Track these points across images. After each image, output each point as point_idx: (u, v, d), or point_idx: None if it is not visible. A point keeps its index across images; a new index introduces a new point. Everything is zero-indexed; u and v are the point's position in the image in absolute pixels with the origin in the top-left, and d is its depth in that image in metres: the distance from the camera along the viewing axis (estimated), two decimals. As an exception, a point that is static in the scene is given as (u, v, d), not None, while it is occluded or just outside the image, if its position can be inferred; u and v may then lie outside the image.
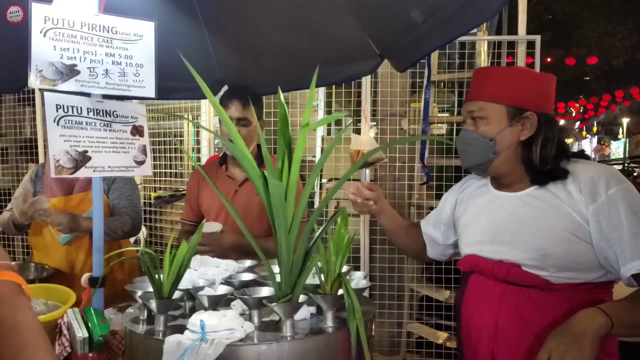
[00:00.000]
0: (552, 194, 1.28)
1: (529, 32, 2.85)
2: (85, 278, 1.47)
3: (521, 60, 2.79)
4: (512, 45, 2.87)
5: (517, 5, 2.75)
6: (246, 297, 1.11)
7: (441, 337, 3.00)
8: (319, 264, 1.12)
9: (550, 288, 1.25)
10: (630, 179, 1.52)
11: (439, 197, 3.36)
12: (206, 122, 3.40)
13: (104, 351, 1.34)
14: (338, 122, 4.36)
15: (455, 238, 1.54)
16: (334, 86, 4.06)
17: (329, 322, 1.12)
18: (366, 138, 2.65)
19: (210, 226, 1.79)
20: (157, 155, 3.73)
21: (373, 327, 1.24)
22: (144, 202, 3.68)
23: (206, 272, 1.38)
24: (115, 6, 1.66)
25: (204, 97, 2.53)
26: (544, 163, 1.30)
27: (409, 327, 3.10)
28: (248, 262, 1.53)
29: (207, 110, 3.44)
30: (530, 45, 2.72)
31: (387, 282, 3.02)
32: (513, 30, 2.96)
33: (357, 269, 3.03)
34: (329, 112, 4.24)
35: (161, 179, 3.74)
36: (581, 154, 1.36)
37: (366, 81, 2.80)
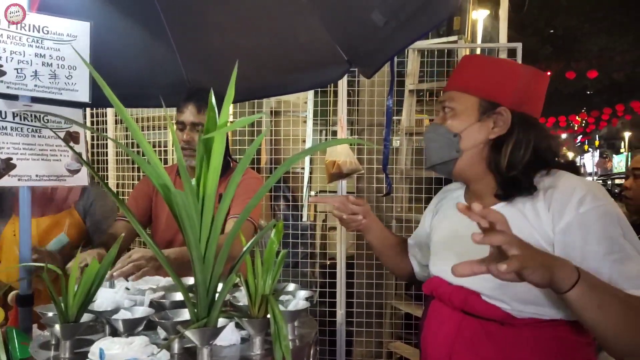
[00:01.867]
0: (520, 212, 1.08)
1: (529, 45, 2.75)
2: (12, 296, 1.36)
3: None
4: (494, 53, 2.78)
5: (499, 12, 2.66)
6: (162, 321, 0.99)
7: (423, 357, 2.85)
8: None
9: (511, 323, 1.06)
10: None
11: (419, 210, 3.27)
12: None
13: (25, 377, 1.22)
14: (333, 133, 4.24)
15: None
16: (319, 96, 3.99)
17: (256, 349, 1.00)
18: (341, 148, 2.55)
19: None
20: (137, 165, 3.64)
21: (313, 351, 1.12)
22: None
23: (138, 291, 1.27)
24: (68, 8, 1.58)
25: (174, 105, 2.43)
26: (511, 168, 1.11)
27: (390, 347, 2.96)
28: (192, 280, 1.42)
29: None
30: (512, 52, 2.63)
31: (367, 299, 2.88)
32: (496, 39, 2.86)
33: (333, 285, 2.92)
34: (315, 122, 4.15)
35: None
36: (569, 166, 1.15)
37: (342, 89, 2.71)
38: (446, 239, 1.25)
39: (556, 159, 1.15)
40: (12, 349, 1.23)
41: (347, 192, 2.80)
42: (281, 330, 0.94)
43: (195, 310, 0.94)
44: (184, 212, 0.85)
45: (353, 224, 1.38)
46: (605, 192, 1.06)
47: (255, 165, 3.38)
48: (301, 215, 3.91)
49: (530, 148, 1.12)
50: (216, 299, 0.93)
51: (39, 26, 1.33)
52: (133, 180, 3.48)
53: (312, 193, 4.05)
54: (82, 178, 1.44)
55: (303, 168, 3.97)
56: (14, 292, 1.36)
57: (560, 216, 1.03)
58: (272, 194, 3.59)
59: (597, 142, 22.83)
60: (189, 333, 0.91)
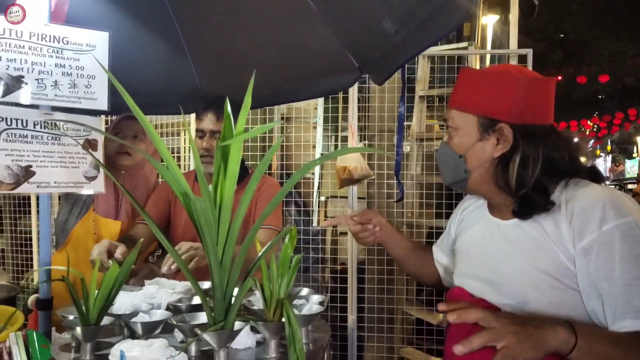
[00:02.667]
0: (541, 227, 1.03)
1: (539, 51, 2.76)
2: (32, 299, 1.39)
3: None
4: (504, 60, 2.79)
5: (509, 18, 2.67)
6: (181, 324, 1.01)
7: (434, 362, 2.85)
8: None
9: None
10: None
11: (439, 216, 3.27)
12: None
13: (45, 379, 1.25)
14: (342, 139, 4.25)
15: None
16: (330, 102, 4.02)
17: (271, 353, 1.02)
18: (352, 154, 2.57)
19: None
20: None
21: (327, 355, 1.13)
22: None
23: (154, 295, 1.30)
24: (86, 18, 1.62)
25: (188, 112, 2.46)
26: (521, 186, 1.05)
27: (401, 352, 2.96)
28: (207, 284, 1.44)
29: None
30: (522, 59, 2.63)
31: (378, 304, 2.89)
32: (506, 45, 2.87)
33: (344, 290, 2.93)
34: (325, 128, 4.18)
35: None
36: (590, 173, 1.08)
37: (353, 96, 2.73)
38: (470, 250, 1.22)
39: (575, 165, 1.08)
40: (33, 352, 1.26)
41: (358, 198, 2.81)
42: (296, 333, 0.96)
43: (213, 313, 0.96)
44: (202, 218, 0.88)
45: (371, 237, 1.36)
46: (630, 204, 0.98)
47: (266, 172, 3.41)
48: (312, 220, 3.93)
49: (540, 162, 1.05)
50: (233, 302, 0.95)
51: (59, 37, 1.37)
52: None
53: (323, 198, 4.07)
54: (99, 185, 1.47)
55: (313, 174, 4.00)
56: (34, 295, 1.40)
57: (581, 234, 0.97)
58: (284, 199, 3.62)
59: (609, 147, 22.61)
60: (206, 336, 0.93)
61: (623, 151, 23.14)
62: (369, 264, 2.92)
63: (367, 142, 2.81)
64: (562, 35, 13.64)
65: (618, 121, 15.57)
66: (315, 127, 3.97)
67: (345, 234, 2.83)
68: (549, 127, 1.10)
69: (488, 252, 1.13)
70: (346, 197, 2.88)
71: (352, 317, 2.80)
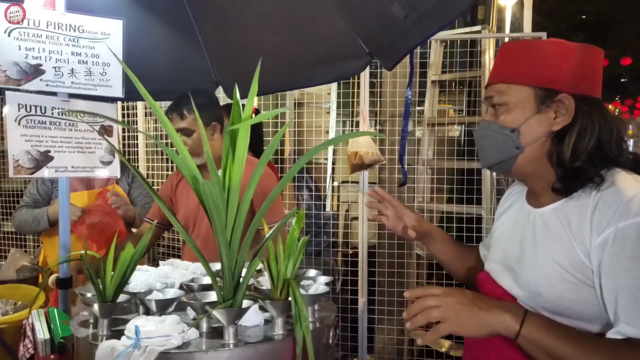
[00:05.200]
0: (566, 219, 0.99)
1: (560, 32, 2.73)
2: (53, 279, 1.46)
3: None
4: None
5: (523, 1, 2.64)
6: (192, 302, 1.06)
7: (445, 345, 2.89)
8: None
9: None
10: None
11: (450, 200, 3.28)
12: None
13: (66, 353, 1.32)
14: (356, 124, 4.27)
15: None
16: (342, 87, 4.02)
17: (279, 330, 1.07)
18: (363, 139, 2.59)
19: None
20: (167, 157, 3.77)
21: (333, 333, 1.17)
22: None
23: (169, 275, 1.35)
24: (100, 7, 1.66)
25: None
26: (575, 159, 0.99)
27: (411, 334, 3.01)
28: (218, 265, 1.50)
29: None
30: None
31: (388, 287, 2.93)
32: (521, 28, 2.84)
33: (355, 274, 2.97)
34: (338, 114, 4.19)
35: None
36: (635, 160, 1.02)
37: (364, 81, 2.73)
38: (500, 235, 1.20)
39: (620, 148, 1.02)
40: (55, 327, 1.33)
41: (369, 183, 2.84)
42: (302, 312, 1.00)
43: (222, 292, 1.00)
44: (211, 201, 0.91)
45: (388, 211, 1.31)
46: None
47: (279, 156, 3.45)
48: (324, 205, 3.97)
49: (596, 133, 1.00)
50: (241, 282, 1.00)
51: (74, 25, 1.41)
52: (162, 170, 3.60)
53: (335, 184, 4.10)
54: (115, 169, 1.53)
55: (326, 159, 4.02)
56: (54, 275, 1.46)
57: (600, 228, 0.92)
58: (296, 184, 3.66)
59: (630, 132, 22.16)
60: (216, 313, 0.98)
61: (645, 135, 22.66)
62: (380, 248, 2.95)
63: (378, 127, 2.82)
64: (583, 17, 13.30)
65: (640, 105, 15.23)
66: (328, 112, 3.99)
67: (356, 218, 2.86)
68: (600, 100, 1.05)
69: (515, 239, 1.12)
70: (357, 182, 2.91)
71: (362, 300, 2.85)
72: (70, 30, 1.40)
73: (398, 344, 3.06)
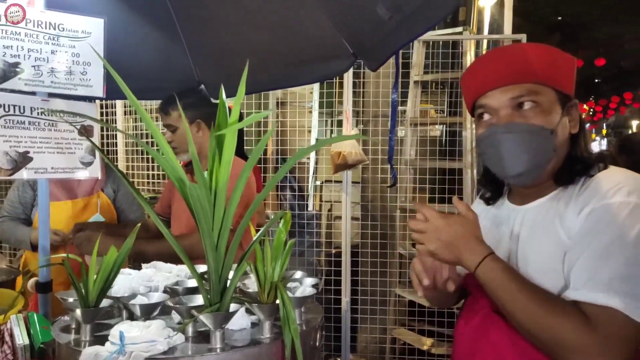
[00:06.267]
0: (555, 208, 1.03)
1: (536, 34, 2.78)
2: (32, 283, 1.42)
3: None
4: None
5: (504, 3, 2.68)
6: (177, 306, 1.05)
7: (426, 343, 2.92)
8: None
9: None
10: None
11: (431, 200, 3.31)
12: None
13: (47, 359, 1.29)
14: (338, 124, 4.28)
15: None
16: (325, 87, 4.02)
17: (266, 333, 1.06)
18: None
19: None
20: (146, 156, 3.71)
21: (319, 335, 1.17)
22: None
23: (152, 278, 1.33)
24: (81, 5, 1.62)
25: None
26: (587, 158, 1.04)
27: (393, 333, 3.03)
28: (203, 268, 1.48)
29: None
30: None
31: (371, 287, 2.95)
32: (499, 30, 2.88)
33: (339, 273, 2.98)
34: (320, 113, 4.18)
35: (154, 180, 3.71)
36: (599, 159, 1.04)
37: (348, 82, 2.74)
38: (487, 234, 1.16)
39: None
40: (34, 333, 1.30)
41: (353, 182, 2.85)
42: (290, 314, 0.99)
43: (209, 296, 0.99)
44: (198, 204, 0.90)
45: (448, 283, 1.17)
46: None
47: (262, 156, 3.43)
48: (307, 205, 3.97)
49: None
50: (228, 285, 0.99)
51: (54, 23, 1.38)
52: (142, 170, 3.55)
53: (318, 183, 4.11)
54: (95, 170, 1.50)
55: (309, 158, 4.02)
56: (34, 279, 1.43)
57: (580, 208, 0.96)
58: (279, 184, 3.65)
59: (604, 131, 22.68)
60: (203, 317, 0.97)
61: (619, 135, 23.21)
62: (362, 248, 2.96)
63: (362, 127, 2.83)
64: (559, 18, 13.55)
65: (614, 105, 15.59)
66: (310, 112, 3.98)
67: (339, 218, 2.87)
68: None
69: (502, 238, 1.13)
70: (341, 182, 2.91)
71: (345, 300, 2.85)
72: (49, 28, 1.37)
73: (381, 342, 3.07)
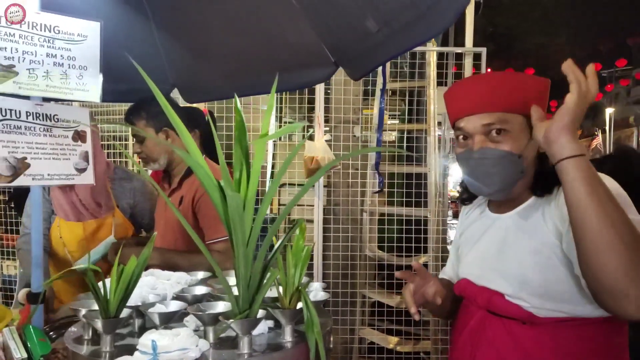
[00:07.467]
0: (541, 215, 1.14)
1: (474, 44, 2.96)
2: (23, 294, 1.36)
3: (468, 71, 2.89)
4: (459, 56, 2.96)
5: (465, 17, 2.84)
6: (201, 313, 1.06)
7: (392, 341, 3.02)
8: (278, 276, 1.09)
9: (533, 322, 1.11)
10: None
11: (390, 203, 3.43)
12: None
13: (47, 372, 1.25)
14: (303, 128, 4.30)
15: None
16: (287, 92, 4.04)
17: (288, 337, 1.09)
18: (319, 144, 2.65)
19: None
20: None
21: (331, 339, 1.22)
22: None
23: (156, 286, 1.32)
24: (57, 4, 1.56)
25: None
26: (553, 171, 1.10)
27: (361, 333, 3.11)
28: (200, 275, 1.48)
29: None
30: (477, 56, 2.81)
31: (339, 288, 3.01)
32: (459, 41, 3.04)
33: (311, 276, 3.02)
34: (280, 119, 4.20)
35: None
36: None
37: (319, 88, 2.79)
38: (473, 244, 1.30)
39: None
40: (32, 346, 1.25)
41: (324, 187, 2.90)
42: (314, 318, 1.03)
43: (238, 303, 1.01)
44: (235, 212, 0.92)
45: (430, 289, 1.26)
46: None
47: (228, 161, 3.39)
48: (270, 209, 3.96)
49: None
50: (258, 292, 1.01)
51: (50, 25, 1.33)
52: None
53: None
54: (89, 177, 1.46)
55: (266, 162, 4.02)
56: (25, 290, 1.37)
57: (562, 201, 1.04)
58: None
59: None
60: (234, 324, 0.99)
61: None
62: (329, 251, 3.03)
63: (333, 133, 2.89)
64: (492, 29, 14.33)
65: (541, 112, 16.63)
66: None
67: (311, 221, 2.91)
68: None
69: (490, 244, 1.24)
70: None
71: (316, 302, 2.89)
72: (45, 31, 1.32)
73: (349, 342, 3.15)
